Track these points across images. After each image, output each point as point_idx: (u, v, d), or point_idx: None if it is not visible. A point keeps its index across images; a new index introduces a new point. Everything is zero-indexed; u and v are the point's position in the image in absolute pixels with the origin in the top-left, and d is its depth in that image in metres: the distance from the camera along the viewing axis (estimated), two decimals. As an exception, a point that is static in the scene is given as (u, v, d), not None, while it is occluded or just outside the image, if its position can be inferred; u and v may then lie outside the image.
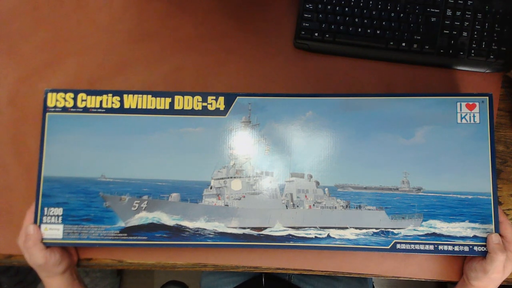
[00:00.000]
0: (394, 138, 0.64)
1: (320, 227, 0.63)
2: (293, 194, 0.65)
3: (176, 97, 0.65)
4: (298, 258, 0.68)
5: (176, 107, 0.65)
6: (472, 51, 0.70)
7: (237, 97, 0.65)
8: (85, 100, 0.65)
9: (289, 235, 0.63)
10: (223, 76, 0.73)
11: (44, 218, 0.63)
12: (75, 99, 0.65)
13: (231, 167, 0.64)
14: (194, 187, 0.64)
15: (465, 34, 0.70)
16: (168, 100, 0.65)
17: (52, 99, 0.65)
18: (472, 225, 0.62)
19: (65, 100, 0.65)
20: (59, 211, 0.63)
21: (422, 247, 0.62)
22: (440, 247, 0.62)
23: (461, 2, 0.70)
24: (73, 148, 0.64)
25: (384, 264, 0.68)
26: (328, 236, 0.63)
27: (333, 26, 0.70)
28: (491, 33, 0.70)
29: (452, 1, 0.70)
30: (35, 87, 0.72)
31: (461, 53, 0.70)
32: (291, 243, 0.63)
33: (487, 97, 0.63)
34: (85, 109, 0.65)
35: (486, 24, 0.70)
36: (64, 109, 0.65)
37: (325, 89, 0.72)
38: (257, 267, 0.68)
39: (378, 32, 0.70)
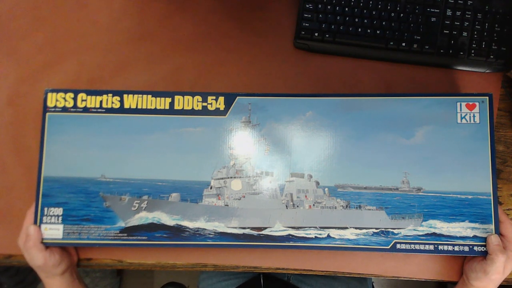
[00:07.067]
0: (394, 138, 0.64)
1: (320, 227, 0.63)
2: (293, 194, 0.65)
3: (176, 97, 0.65)
4: (298, 258, 0.68)
5: (176, 107, 0.65)
6: (472, 51, 0.70)
7: (237, 97, 0.65)
8: (85, 100, 0.65)
9: (289, 235, 0.63)
10: (223, 76, 0.73)
11: (44, 218, 0.63)
12: (75, 99, 0.65)
13: (231, 167, 0.64)
14: (194, 187, 0.64)
15: (465, 34, 0.70)
16: (168, 100, 0.65)
17: (52, 99, 0.65)
18: (472, 225, 0.62)
19: (65, 100, 0.65)
20: (59, 211, 0.63)
21: (422, 247, 0.62)
22: (440, 247, 0.62)
23: (461, 2, 0.70)
24: (73, 148, 0.64)
25: (384, 264, 0.68)
26: (328, 236, 0.63)
27: (333, 26, 0.70)
28: (491, 33, 0.70)
29: (452, 1, 0.70)
30: (35, 87, 0.72)
31: (461, 53, 0.70)
32: (291, 243, 0.63)
33: (487, 97, 0.63)
34: (85, 109, 0.65)
35: (486, 24, 0.70)
36: (64, 109, 0.65)
37: (325, 89, 0.72)
38: (257, 267, 0.68)
39: (378, 32, 0.70)
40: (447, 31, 0.70)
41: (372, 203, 0.64)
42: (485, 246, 0.61)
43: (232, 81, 0.72)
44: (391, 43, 0.70)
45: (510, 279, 0.66)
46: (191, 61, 0.73)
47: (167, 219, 0.63)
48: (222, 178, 0.64)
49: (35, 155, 0.64)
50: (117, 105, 0.65)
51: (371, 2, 0.70)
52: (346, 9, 0.70)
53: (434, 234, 0.62)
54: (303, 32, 0.70)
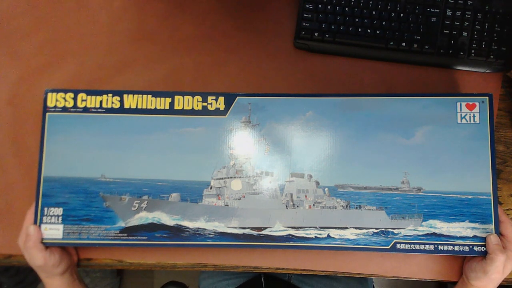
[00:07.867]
0: (394, 138, 0.64)
1: (320, 227, 0.63)
2: (293, 194, 0.65)
3: (176, 97, 0.65)
4: (298, 258, 0.68)
5: (176, 107, 0.65)
6: (472, 51, 0.70)
7: (237, 97, 0.65)
8: (85, 100, 0.65)
9: (289, 235, 0.63)
10: (223, 76, 0.73)
11: (44, 218, 0.63)
12: (75, 99, 0.65)
13: (231, 167, 0.64)
14: (194, 187, 0.64)
15: (465, 34, 0.70)
16: (168, 100, 0.65)
17: (52, 99, 0.65)
18: (472, 225, 0.62)
19: (65, 100, 0.65)
20: (59, 211, 0.63)
21: (422, 247, 0.62)
22: (440, 247, 0.62)
23: (461, 2, 0.70)
24: (73, 148, 0.64)
25: (384, 264, 0.68)
26: (328, 236, 0.63)
27: (333, 26, 0.70)
28: (491, 33, 0.70)
29: (452, 1, 0.70)
30: (35, 87, 0.72)
31: (461, 53, 0.70)
32: (291, 243, 0.63)
33: (487, 97, 0.63)
34: (85, 109, 0.65)
35: (486, 24, 0.70)
36: (64, 109, 0.65)
37: (325, 89, 0.72)
38: (257, 267, 0.68)
39: (378, 32, 0.70)
40: (447, 31, 0.70)
41: (372, 203, 0.64)
42: (485, 246, 0.61)
43: (232, 81, 0.72)
44: (391, 43, 0.70)
45: (510, 279, 0.66)
46: (191, 61, 0.73)
47: (167, 219, 0.63)
48: (222, 178, 0.64)
49: (35, 155, 0.64)
50: (117, 105, 0.65)
51: (371, 2, 0.70)
52: (346, 9, 0.70)
53: (434, 234, 0.62)
54: (303, 32, 0.70)
